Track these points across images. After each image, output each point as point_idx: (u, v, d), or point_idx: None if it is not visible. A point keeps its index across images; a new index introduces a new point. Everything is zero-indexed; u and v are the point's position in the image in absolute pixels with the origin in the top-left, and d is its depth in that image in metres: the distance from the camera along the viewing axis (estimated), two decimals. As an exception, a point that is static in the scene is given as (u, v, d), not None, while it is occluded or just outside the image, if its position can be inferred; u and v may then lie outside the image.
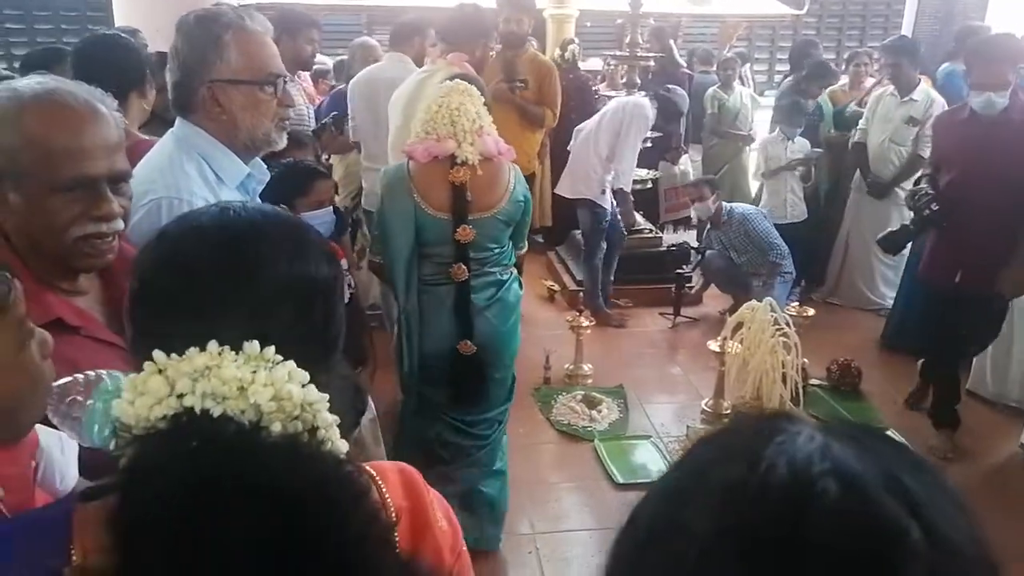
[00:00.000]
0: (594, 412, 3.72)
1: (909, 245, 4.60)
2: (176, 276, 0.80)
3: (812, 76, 5.31)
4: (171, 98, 1.58)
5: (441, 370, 2.58)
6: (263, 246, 0.81)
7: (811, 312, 4.11)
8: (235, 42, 1.51)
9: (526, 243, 2.78)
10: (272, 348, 0.77)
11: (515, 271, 2.68)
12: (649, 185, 5.56)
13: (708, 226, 5.03)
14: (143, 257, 0.83)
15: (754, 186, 6.06)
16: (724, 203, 4.84)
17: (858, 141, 4.94)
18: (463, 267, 2.46)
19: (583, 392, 3.90)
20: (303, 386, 0.76)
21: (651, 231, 5.43)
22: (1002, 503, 2.99)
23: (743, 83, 6.94)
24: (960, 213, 3.25)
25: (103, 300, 1.26)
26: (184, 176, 1.49)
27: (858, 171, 4.95)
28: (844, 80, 5.75)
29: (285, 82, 1.59)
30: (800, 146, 5.07)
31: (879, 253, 4.97)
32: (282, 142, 1.63)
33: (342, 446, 0.78)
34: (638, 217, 5.38)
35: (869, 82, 5.44)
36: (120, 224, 1.21)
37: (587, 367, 4.14)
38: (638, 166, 5.29)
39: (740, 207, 4.91)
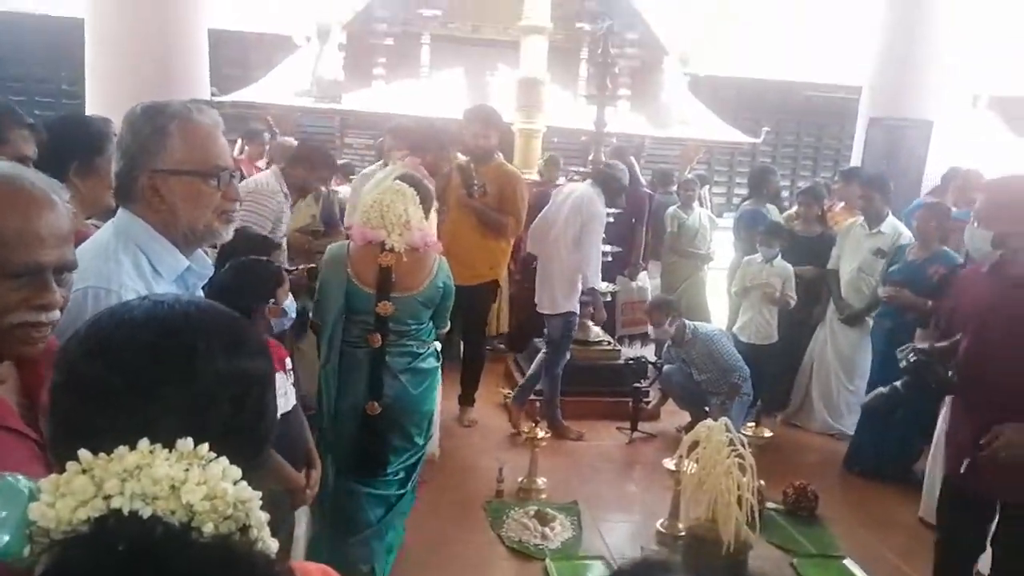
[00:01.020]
0: (547, 529, 3.60)
1: (868, 365, 4.69)
2: (108, 368, 0.77)
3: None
4: (113, 187, 1.55)
5: (351, 430, 2.91)
6: (199, 339, 0.80)
7: (768, 433, 4.10)
8: (179, 132, 1.49)
9: (448, 323, 3.21)
10: (206, 445, 0.74)
11: (434, 346, 3.10)
12: (608, 299, 5.61)
13: (669, 342, 5.05)
14: (71, 348, 0.80)
15: (717, 304, 6.16)
16: (687, 321, 4.87)
17: (831, 268, 5.08)
18: (378, 336, 2.88)
19: (536, 507, 3.77)
20: (235, 483, 0.73)
21: (609, 343, 5.44)
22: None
23: (702, 204, 7.19)
24: (975, 389, 2.63)
25: (18, 390, 1.20)
26: (117, 266, 1.44)
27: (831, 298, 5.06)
28: (794, 209, 5.97)
29: (231, 176, 1.56)
30: (779, 268, 5.03)
31: (844, 379, 5.04)
32: (227, 235, 1.59)
33: (273, 545, 0.75)
34: (596, 329, 5.41)
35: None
36: (58, 315, 1.16)
37: (541, 481, 4.04)
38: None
39: (704, 327, 4.94)
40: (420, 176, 3.49)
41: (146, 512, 0.69)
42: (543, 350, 4.87)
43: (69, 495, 0.69)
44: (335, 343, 2.93)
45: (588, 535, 3.65)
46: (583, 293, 4.82)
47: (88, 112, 5.71)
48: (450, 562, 3.37)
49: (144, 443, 0.72)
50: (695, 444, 3.33)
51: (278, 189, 3.86)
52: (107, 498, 0.69)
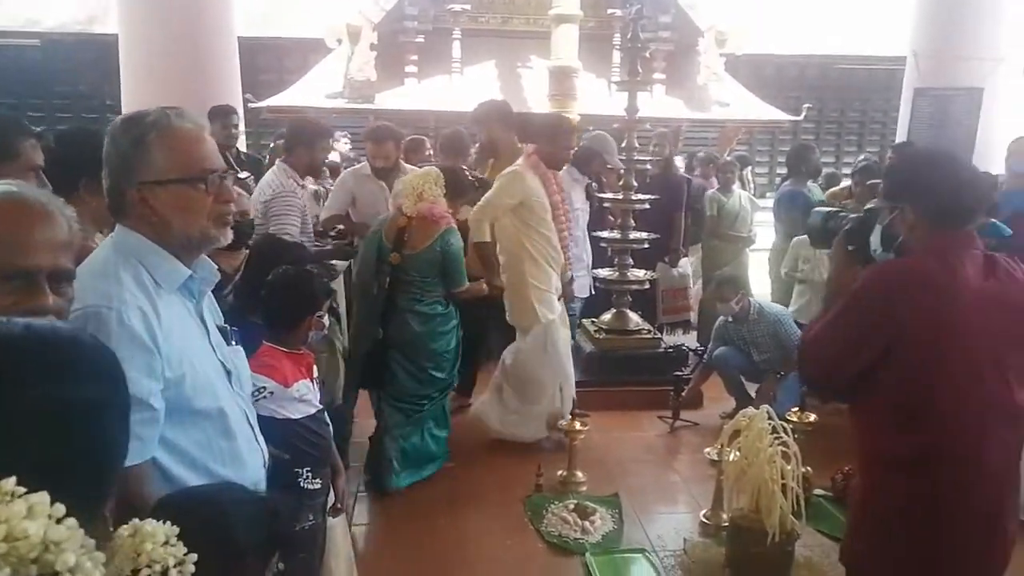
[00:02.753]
0: (587, 523, 3.53)
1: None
2: None
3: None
4: (107, 203, 1.53)
5: (367, 349, 3.76)
6: (17, 364, 0.75)
7: (813, 418, 3.96)
8: (160, 141, 1.45)
9: (460, 284, 3.80)
10: (13, 479, 0.67)
11: (440, 298, 3.79)
12: (647, 286, 5.51)
13: (722, 321, 4.92)
14: None
15: (759, 287, 6.01)
16: (752, 300, 4.80)
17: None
18: (387, 279, 3.74)
19: (576, 501, 3.72)
20: (58, 521, 0.67)
21: (648, 332, 5.34)
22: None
23: (743, 186, 7.01)
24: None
25: None
26: (117, 283, 1.42)
27: None
28: (845, 184, 5.79)
29: (222, 178, 1.52)
30: None
31: None
32: (225, 238, 1.55)
33: None
34: (635, 318, 5.32)
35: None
36: (53, 319, 1.18)
37: (581, 474, 3.97)
38: (636, 266, 5.29)
39: (771, 307, 4.87)
40: (463, 173, 4.17)
41: None
42: None
43: None
44: (364, 281, 3.86)
45: (629, 528, 3.58)
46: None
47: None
48: (489, 558, 3.34)
49: None
50: (736, 433, 3.24)
51: (291, 183, 3.90)
52: None
